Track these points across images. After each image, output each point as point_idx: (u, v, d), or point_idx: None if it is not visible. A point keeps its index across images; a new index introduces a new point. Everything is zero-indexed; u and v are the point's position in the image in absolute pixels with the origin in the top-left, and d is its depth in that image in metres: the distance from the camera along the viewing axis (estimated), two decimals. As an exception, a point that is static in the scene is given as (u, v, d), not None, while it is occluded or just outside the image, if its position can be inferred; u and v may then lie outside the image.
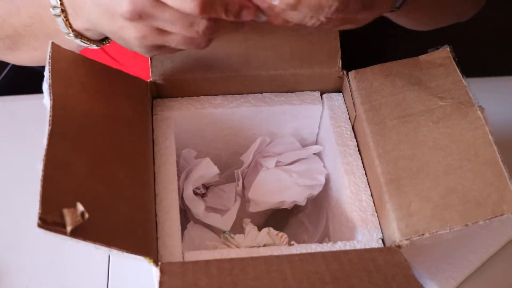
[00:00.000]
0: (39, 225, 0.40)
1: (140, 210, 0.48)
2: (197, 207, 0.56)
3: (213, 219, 0.56)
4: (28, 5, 0.60)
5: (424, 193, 0.49)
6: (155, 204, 0.51)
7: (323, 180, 0.60)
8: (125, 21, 0.47)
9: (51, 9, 0.54)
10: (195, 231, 0.57)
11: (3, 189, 0.71)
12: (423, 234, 0.48)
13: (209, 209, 0.57)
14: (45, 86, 0.48)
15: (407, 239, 0.48)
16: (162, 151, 0.55)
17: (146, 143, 0.54)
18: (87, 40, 0.56)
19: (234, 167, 0.62)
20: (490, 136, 0.51)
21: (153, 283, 0.49)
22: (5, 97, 0.83)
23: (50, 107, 0.47)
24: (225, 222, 0.56)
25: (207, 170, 0.57)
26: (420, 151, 0.52)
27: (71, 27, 0.54)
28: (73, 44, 0.56)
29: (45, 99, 0.48)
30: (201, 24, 0.46)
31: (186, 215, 0.59)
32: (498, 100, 0.80)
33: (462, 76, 0.55)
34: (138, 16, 0.46)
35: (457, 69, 0.56)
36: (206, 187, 0.61)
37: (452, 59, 0.57)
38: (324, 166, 0.61)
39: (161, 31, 0.48)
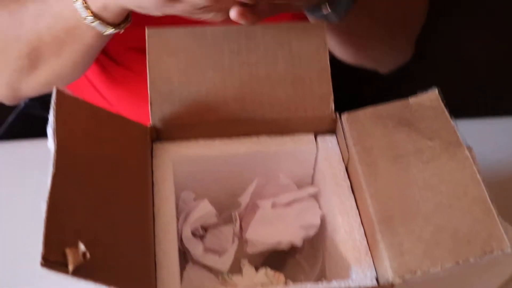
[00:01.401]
0: (42, 264, 0.42)
1: (139, 251, 0.50)
2: (196, 248, 0.58)
3: (211, 260, 0.57)
4: (51, 5, 0.65)
5: (415, 232, 0.51)
6: (154, 245, 0.53)
7: (318, 221, 0.61)
8: None
9: None
10: (194, 272, 0.58)
11: (8, 231, 0.73)
12: (415, 272, 0.49)
13: (207, 250, 0.59)
14: (50, 130, 0.50)
15: (400, 277, 0.49)
16: (162, 193, 0.56)
17: (146, 185, 0.55)
18: (106, 24, 0.62)
19: (232, 208, 0.64)
20: (478, 175, 0.52)
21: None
22: (10, 142, 0.86)
23: (54, 151, 0.49)
24: (223, 262, 0.57)
25: (205, 211, 0.59)
26: (411, 191, 0.53)
27: (89, 9, 0.60)
28: (92, 37, 0.62)
29: (50, 142, 0.50)
30: None
31: (185, 257, 0.60)
32: (487, 141, 0.82)
33: (450, 117, 0.57)
34: None
35: (445, 110, 0.58)
36: (205, 228, 0.62)
37: (441, 101, 0.59)
38: (320, 207, 0.62)
39: None
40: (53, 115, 0.51)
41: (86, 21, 0.61)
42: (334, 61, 0.68)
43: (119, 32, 0.66)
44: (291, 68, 0.61)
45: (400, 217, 0.52)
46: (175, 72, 0.60)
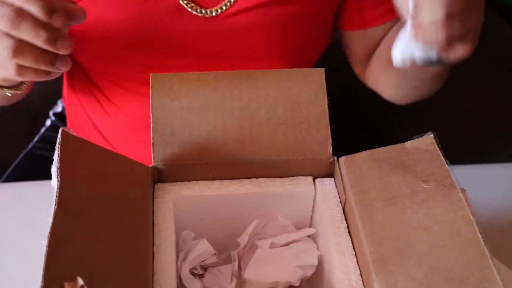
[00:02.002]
0: None
1: (135, 284, 0.51)
2: (194, 287, 0.58)
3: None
4: None
5: (409, 272, 0.52)
6: (153, 282, 0.54)
7: (315, 262, 0.62)
8: None
9: None
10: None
11: (12, 268, 0.75)
12: (409, 311, 0.50)
13: (205, 288, 0.60)
14: (54, 169, 0.52)
15: (394, 317, 0.50)
16: (161, 232, 0.58)
17: (146, 224, 0.57)
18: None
19: (231, 248, 0.65)
20: (471, 217, 0.53)
21: None
22: (16, 183, 0.88)
23: (57, 188, 0.50)
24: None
25: (203, 250, 0.60)
26: (405, 232, 0.54)
27: None
28: None
29: (53, 181, 0.52)
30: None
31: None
32: (482, 187, 0.84)
33: (446, 161, 0.59)
34: None
35: (440, 154, 0.59)
36: (204, 268, 0.63)
37: (436, 145, 0.60)
38: (317, 248, 0.63)
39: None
40: (58, 154, 0.53)
41: None
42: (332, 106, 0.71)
43: (19, 92, 0.71)
44: (290, 113, 0.63)
45: (394, 257, 0.53)
46: (177, 115, 0.62)
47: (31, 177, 0.86)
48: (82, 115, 0.93)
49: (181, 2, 0.77)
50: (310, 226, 0.67)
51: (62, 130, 0.56)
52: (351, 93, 0.97)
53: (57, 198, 0.50)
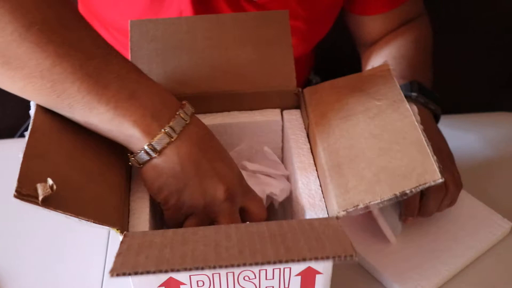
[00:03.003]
0: (15, 196, 0.47)
1: (110, 196, 0.56)
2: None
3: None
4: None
5: (359, 173, 0.56)
6: (130, 195, 0.59)
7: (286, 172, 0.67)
8: (224, 190, 0.57)
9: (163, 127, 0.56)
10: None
11: (28, 219, 0.81)
12: (357, 206, 0.54)
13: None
14: (32, 103, 0.58)
15: (344, 211, 0.54)
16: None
17: (122, 150, 0.62)
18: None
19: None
20: (416, 123, 0.58)
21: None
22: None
23: (34, 113, 0.56)
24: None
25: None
26: (358, 141, 0.59)
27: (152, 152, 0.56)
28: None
29: (31, 110, 0.57)
30: None
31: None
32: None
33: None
34: (231, 197, 0.58)
35: (394, 78, 0.64)
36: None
37: (391, 71, 0.65)
38: (286, 169, 0.68)
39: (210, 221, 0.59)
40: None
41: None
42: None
43: None
44: (257, 50, 0.68)
45: (347, 163, 0.58)
46: (153, 55, 0.67)
47: None
48: None
49: None
50: (282, 156, 0.71)
51: None
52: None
53: (33, 121, 0.55)
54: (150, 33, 0.68)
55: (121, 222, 0.55)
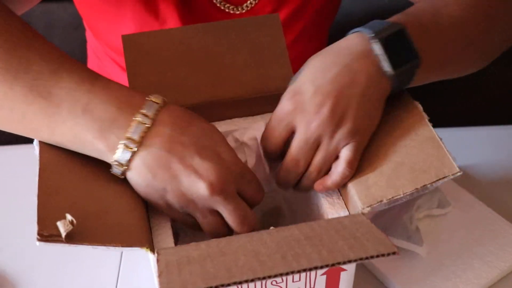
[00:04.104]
0: (38, 240, 0.48)
1: (131, 218, 0.55)
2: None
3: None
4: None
5: (377, 169, 0.58)
6: (148, 212, 0.58)
7: None
8: (205, 188, 0.53)
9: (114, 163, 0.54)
10: (187, 242, 0.63)
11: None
12: (381, 201, 0.55)
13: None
14: (35, 142, 0.57)
15: (368, 207, 0.55)
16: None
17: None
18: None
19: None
20: (426, 120, 0.59)
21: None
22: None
23: (38, 149, 0.55)
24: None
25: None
26: (372, 139, 0.60)
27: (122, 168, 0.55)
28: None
29: (35, 150, 0.56)
30: (248, 218, 0.56)
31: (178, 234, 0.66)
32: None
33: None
34: (220, 192, 0.54)
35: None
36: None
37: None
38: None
39: (213, 211, 0.55)
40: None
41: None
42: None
43: None
44: (253, 55, 0.68)
45: (364, 160, 0.59)
46: (151, 69, 0.67)
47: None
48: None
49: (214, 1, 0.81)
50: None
51: None
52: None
53: (40, 160, 0.54)
54: (144, 46, 0.67)
55: (147, 240, 0.54)
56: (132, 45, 0.67)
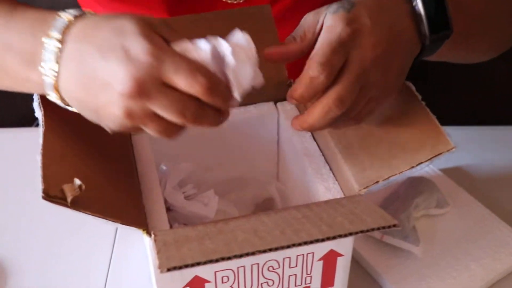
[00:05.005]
0: (43, 198, 0.46)
1: (129, 197, 0.55)
2: (178, 199, 0.62)
3: (197, 206, 0.62)
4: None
5: (372, 151, 0.58)
6: (142, 199, 0.58)
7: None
8: (119, 97, 0.46)
9: (41, 67, 0.50)
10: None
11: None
12: (377, 181, 0.55)
13: (190, 199, 0.64)
14: (35, 104, 0.56)
15: (365, 188, 0.55)
16: (143, 161, 0.61)
17: (128, 151, 0.61)
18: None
19: (207, 182, 0.69)
20: (419, 98, 0.60)
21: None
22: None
23: (42, 115, 0.54)
24: (209, 209, 0.62)
25: (182, 168, 0.64)
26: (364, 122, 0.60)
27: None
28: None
29: (37, 112, 0.55)
30: (191, 110, 0.47)
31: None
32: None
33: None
34: (137, 94, 0.46)
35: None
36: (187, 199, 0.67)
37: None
38: (286, 163, 0.68)
39: (149, 115, 0.47)
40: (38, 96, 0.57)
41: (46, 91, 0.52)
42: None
43: None
44: (245, 45, 0.68)
45: (357, 143, 0.59)
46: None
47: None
48: None
49: None
50: (277, 150, 0.72)
51: None
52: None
53: (43, 122, 0.53)
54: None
55: (144, 222, 0.53)
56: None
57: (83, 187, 0.48)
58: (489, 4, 0.66)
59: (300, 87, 0.53)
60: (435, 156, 0.55)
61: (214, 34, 0.67)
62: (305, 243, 0.45)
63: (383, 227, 0.46)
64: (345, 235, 0.45)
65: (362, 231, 0.46)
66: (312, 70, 0.52)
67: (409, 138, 0.57)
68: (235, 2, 0.81)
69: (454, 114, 0.94)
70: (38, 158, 0.50)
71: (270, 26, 0.69)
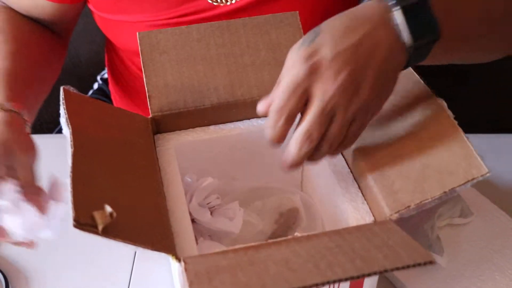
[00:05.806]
0: (75, 226, 0.46)
1: (156, 218, 0.54)
2: (204, 215, 0.62)
3: (222, 223, 0.62)
4: None
5: (403, 173, 0.56)
6: (169, 216, 0.57)
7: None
8: None
9: None
10: (206, 246, 0.62)
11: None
12: (409, 206, 0.54)
13: (216, 216, 0.63)
14: (63, 120, 0.55)
15: (396, 213, 0.54)
16: (168, 174, 0.61)
17: (154, 167, 0.60)
18: None
19: (232, 193, 0.69)
20: (452, 118, 0.58)
21: None
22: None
23: (70, 134, 0.53)
24: (234, 225, 0.62)
25: (207, 183, 0.63)
26: (394, 140, 0.59)
27: None
28: None
29: (64, 130, 0.55)
30: None
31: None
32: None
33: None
34: None
35: (415, 73, 0.64)
36: (210, 211, 0.66)
37: (412, 69, 0.65)
38: (310, 174, 0.67)
39: None
40: (64, 108, 0.56)
41: None
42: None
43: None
44: (272, 54, 0.67)
45: (388, 163, 0.58)
46: (168, 67, 0.65)
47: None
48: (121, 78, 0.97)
49: None
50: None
51: (63, 88, 0.59)
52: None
53: (72, 142, 0.53)
54: (160, 44, 0.66)
55: (171, 244, 0.53)
56: (148, 42, 0.66)
57: (114, 214, 0.47)
58: (492, 4, 0.63)
59: (269, 132, 0.55)
60: (469, 181, 0.54)
61: (241, 41, 0.67)
62: (340, 280, 0.44)
63: (419, 264, 0.45)
64: (380, 272, 0.45)
65: (397, 268, 0.45)
66: (271, 117, 0.55)
67: (441, 160, 0.56)
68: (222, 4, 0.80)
69: (474, 121, 0.93)
70: (68, 181, 0.50)
71: (297, 33, 0.68)
